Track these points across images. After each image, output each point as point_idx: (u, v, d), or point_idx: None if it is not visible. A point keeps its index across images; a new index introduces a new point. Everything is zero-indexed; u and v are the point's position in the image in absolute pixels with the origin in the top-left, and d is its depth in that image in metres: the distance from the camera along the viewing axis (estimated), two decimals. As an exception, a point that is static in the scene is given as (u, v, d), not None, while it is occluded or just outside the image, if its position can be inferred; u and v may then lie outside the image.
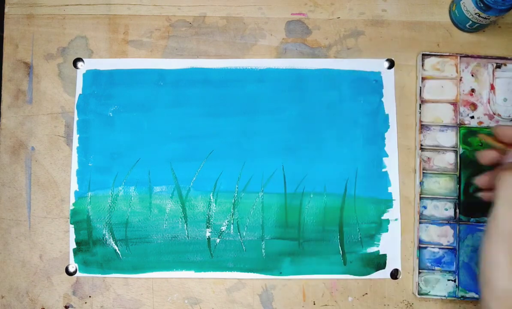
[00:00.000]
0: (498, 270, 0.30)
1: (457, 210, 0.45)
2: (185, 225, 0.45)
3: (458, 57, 0.46)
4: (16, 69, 0.47)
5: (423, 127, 0.46)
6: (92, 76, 0.47)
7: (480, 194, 0.40)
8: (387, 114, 0.46)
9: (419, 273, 0.44)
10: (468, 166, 0.45)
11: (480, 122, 0.46)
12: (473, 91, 0.46)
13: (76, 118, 0.46)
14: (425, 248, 0.45)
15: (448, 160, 0.45)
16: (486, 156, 0.39)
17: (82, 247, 0.45)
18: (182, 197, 0.46)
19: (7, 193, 0.46)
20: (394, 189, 0.46)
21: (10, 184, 0.46)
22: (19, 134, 0.46)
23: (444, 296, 0.44)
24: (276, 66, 0.47)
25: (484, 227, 0.33)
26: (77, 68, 0.47)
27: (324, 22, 0.48)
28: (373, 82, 0.47)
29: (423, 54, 0.46)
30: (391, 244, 0.45)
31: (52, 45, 0.47)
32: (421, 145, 0.45)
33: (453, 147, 0.45)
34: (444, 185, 0.45)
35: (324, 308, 0.45)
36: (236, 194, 0.46)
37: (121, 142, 0.46)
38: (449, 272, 0.44)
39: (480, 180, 0.39)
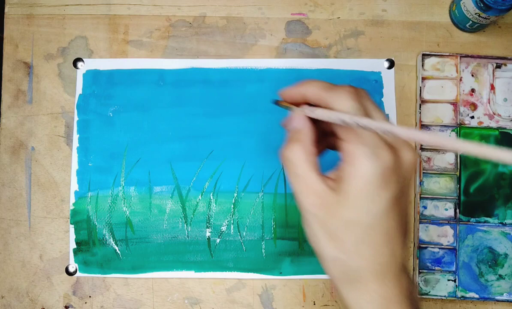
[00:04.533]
0: (320, 242, 0.30)
1: (457, 210, 0.45)
2: (185, 225, 0.45)
3: (458, 57, 0.46)
4: (16, 69, 0.47)
5: (423, 127, 0.46)
6: (92, 76, 0.47)
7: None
8: (387, 114, 0.46)
9: (419, 273, 0.44)
10: (468, 166, 0.45)
11: (480, 122, 0.46)
12: (473, 91, 0.46)
13: (76, 118, 0.46)
14: (425, 248, 0.45)
15: (448, 160, 0.45)
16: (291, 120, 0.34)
17: (82, 247, 0.45)
18: (182, 197, 0.46)
19: (7, 193, 0.46)
20: (394, 189, 0.46)
21: (10, 184, 0.46)
22: (19, 134, 0.46)
23: (444, 296, 0.44)
24: (276, 66, 0.47)
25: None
26: (77, 68, 0.47)
27: (324, 22, 0.48)
28: (373, 82, 0.47)
29: (423, 54, 0.46)
30: (391, 244, 0.45)
31: (52, 45, 0.47)
32: (421, 145, 0.45)
33: (453, 147, 0.45)
34: (444, 185, 0.45)
35: (324, 308, 0.45)
36: (236, 194, 0.46)
37: (121, 142, 0.46)
38: (449, 272, 0.44)
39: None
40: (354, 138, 0.28)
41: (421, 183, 0.45)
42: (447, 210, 0.45)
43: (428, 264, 0.45)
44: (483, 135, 0.45)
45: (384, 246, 0.29)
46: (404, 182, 0.29)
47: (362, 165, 0.28)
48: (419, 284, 0.44)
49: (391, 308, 0.29)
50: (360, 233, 0.29)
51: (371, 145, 0.28)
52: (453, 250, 0.45)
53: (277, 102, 0.35)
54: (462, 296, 0.44)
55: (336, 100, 0.29)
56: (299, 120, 0.31)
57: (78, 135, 0.46)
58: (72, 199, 0.45)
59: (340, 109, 0.29)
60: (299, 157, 0.30)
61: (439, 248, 0.45)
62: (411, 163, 0.29)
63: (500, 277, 0.44)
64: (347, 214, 0.28)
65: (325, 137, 0.33)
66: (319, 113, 0.30)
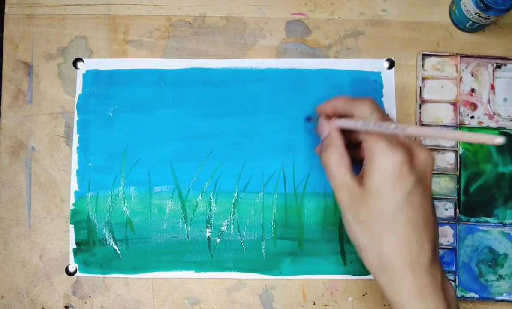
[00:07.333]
0: (354, 232, 0.35)
1: (457, 210, 0.45)
2: (185, 225, 0.45)
3: (458, 57, 0.46)
4: (16, 69, 0.47)
5: (423, 127, 0.46)
6: (92, 76, 0.47)
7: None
8: (387, 115, 0.46)
9: (419, 273, 0.44)
10: (468, 166, 0.45)
11: (480, 122, 0.46)
12: (473, 91, 0.46)
13: (76, 118, 0.46)
14: (425, 248, 0.45)
15: (448, 160, 0.45)
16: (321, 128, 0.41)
17: (82, 247, 0.45)
18: (182, 197, 0.46)
19: (7, 193, 0.46)
20: (394, 189, 0.46)
21: (10, 184, 0.46)
22: (19, 134, 0.46)
23: (444, 296, 0.44)
24: (276, 66, 0.47)
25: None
26: (77, 68, 0.47)
27: (324, 22, 0.48)
28: (373, 82, 0.47)
29: (423, 54, 0.46)
30: (391, 244, 0.45)
31: (52, 45, 0.47)
32: (421, 145, 0.45)
33: (453, 147, 0.45)
34: (444, 185, 0.45)
35: (324, 308, 0.45)
36: (236, 194, 0.46)
37: (121, 142, 0.46)
38: (449, 272, 0.44)
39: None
40: (373, 139, 0.34)
41: (421, 183, 0.45)
42: (447, 210, 0.45)
43: (428, 264, 0.45)
44: (483, 135, 0.45)
45: (410, 234, 0.33)
46: (420, 176, 0.33)
47: (380, 160, 0.33)
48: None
49: (424, 296, 0.32)
50: (386, 220, 0.33)
51: (387, 144, 0.33)
52: (453, 250, 0.45)
53: (309, 120, 0.44)
54: (462, 296, 0.44)
55: (358, 108, 0.36)
56: (330, 128, 0.38)
57: (78, 135, 0.46)
58: (72, 199, 0.45)
59: (362, 115, 0.36)
60: (334, 159, 0.36)
61: (439, 248, 0.45)
62: (425, 160, 0.34)
63: (500, 277, 0.44)
64: (372, 204, 0.33)
65: (351, 150, 0.38)
66: (345, 122, 0.37)
